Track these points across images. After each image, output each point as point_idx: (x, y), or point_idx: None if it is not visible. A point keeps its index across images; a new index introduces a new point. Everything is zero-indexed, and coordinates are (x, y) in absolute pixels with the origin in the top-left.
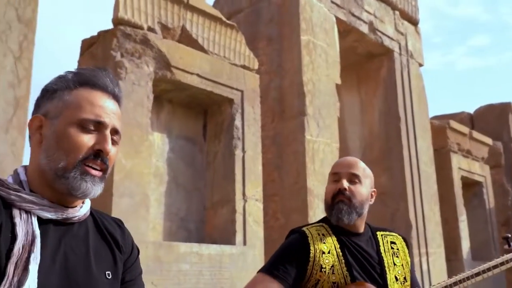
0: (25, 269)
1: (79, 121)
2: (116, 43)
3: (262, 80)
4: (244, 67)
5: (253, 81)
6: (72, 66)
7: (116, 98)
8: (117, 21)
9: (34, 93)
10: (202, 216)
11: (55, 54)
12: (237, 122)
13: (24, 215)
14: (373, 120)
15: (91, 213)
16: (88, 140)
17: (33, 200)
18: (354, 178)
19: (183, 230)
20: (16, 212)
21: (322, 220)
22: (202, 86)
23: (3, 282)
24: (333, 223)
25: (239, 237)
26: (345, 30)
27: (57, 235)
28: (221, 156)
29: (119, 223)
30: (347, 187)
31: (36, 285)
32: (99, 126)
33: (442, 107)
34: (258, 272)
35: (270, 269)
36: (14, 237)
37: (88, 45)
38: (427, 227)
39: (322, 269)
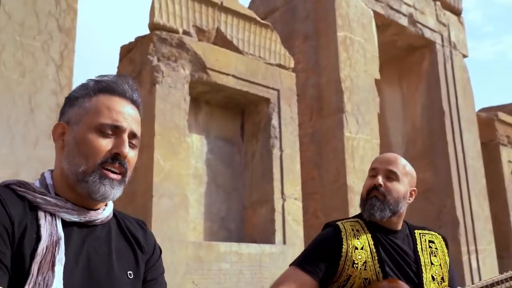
0: (51, 270)
1: (97, 126)
2: (153, 48)
3: (299, 78)
4: (279, 66)
5: (289, 79)
6: (112, 72)
7: (135, 103)
8: (153, 26)
9: None
10: (242, 216)
11: (96, 61)
12: (274, 121)
13: (48, 217)
14: (415, 115)
15: (114, 215)
16: (106, 144)
17: (57, 203)
18: (391, 175)
19: (224, 230)
20: (41, 215)
21: (358, 216)
22: (238, 86)
23: (28, 281)
24: (366, 219)
25: (278, 236)
26: (384, 24)
27: (81, 237)
28: (259, 156)
29: (141, 224)
30: (382, 183)
31: (62, 286)
32: (116, 130)
33: (494, 99)
34: (290, 265)
35: (301, 262)
36: (38, 238)
37: (126, 51)
38: (476, 223)
39: (354, 265)
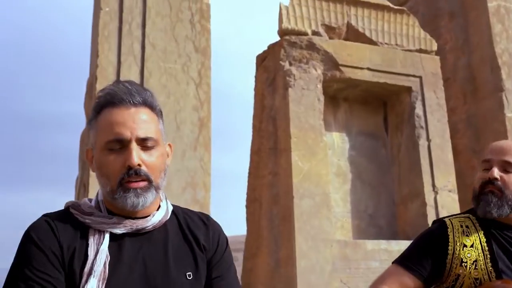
0: (86, 282)
1: (105, 145)
2: (284, 53)
3: (447, 60)
4: (420, 51)
5: (432, 64)
6: (249, 83)
7: (140, 104)
8: (283, 32)
9: (215, 113)
10: (393, 212)
11: (232, 71)
12: (418, 110)
13: (96, 235)
14: None
15: (175, 215)
16: (119, 160)
17: (102, 220)
18: (508, 167)
19: (373, 227)
20: (91, 233)
21: (469, 211)
22: (375, 79)
23: None
24: (480, 216)
25: None
26: None
27: (135, 246)
28: (405, 148)
29: (204, 219)
30: (498, 177)
31: None
32: (122, 142)
33: None
34: (392, 263)
35: (403, 260)
36: (86, 257)
37: (261, 60)
38: None
39: (463, 264)
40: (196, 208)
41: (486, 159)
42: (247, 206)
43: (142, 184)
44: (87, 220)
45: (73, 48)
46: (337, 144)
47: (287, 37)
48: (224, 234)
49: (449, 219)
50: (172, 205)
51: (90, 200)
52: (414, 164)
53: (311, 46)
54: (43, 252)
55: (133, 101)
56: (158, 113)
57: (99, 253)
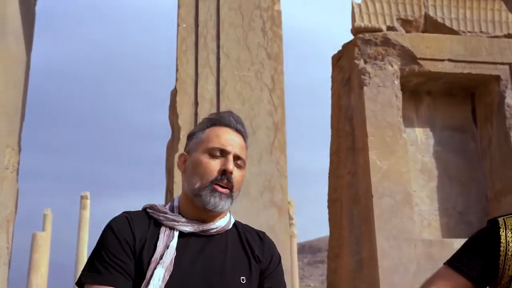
0: (154, 269)
1: (208, 150)
2: (358, 52)
3: None
4: (508, 36)
5: None
6: (325, 83)
7: (239, 132)
8: (356, 31)
9: (288, 117)
10: (485, 207)
11: (304, 73)
12: (509, 100)
13: (167, 231)
14: None
15: (236, 227)
16: (215, 164)
17: (174, 218)
18: None
19: (463, 224)
20: (162, 229)
21: None
22: (457, 70)
23: (144, 282)
24: None
25: None
26: None
27: (199, 245)
28: (496, 140)
29: (261, 235)
30: None
31: (159, 285)
32: (223, 152)
33: None
34: (444, 263)
35: (454, 261)
36: (155, 248)
37: (336, 60)
38: None
39: None
40: (274, 211)
41: None
42: (328, 207)
43: (226, 191)
44: (161, 217)
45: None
46: (420, 140)
47: (360, 35)
48: (277, 252)
49: (503, 218)
50: (235, 220)
51: (165, 205)
52: (507, 156)
53: (386, 42)
54: (119, 240)
55: (237, 128)
56: (247, 142)
57: (169, 247)
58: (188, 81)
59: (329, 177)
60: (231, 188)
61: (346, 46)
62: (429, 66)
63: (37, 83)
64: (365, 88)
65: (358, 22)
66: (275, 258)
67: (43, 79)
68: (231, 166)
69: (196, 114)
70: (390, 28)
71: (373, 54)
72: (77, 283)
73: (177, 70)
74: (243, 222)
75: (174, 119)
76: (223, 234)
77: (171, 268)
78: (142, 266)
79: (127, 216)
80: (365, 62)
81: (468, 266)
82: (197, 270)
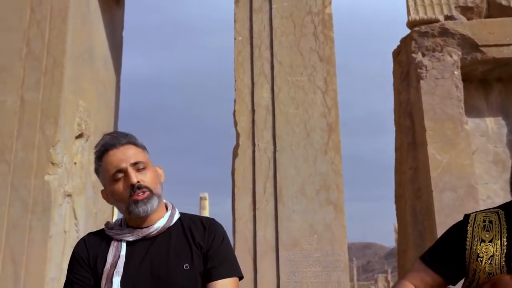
0: (110, 281)
1: (111, 178)
2: (415, 45)
3: None
4: None
5: None
6: (387, 76)
7: (126, 143)
8: (411, 24)
9: (342, 118)
10: None
11: (363, 73)
12: None
13: (116, 243)
14: None
15: (181, 220)
16: (122, 185)
17: (118, 232)
18: None
19: None
20: (113, 242)
21: (502, 206)
22: None
23: None
24: None
25: None
26: None
27: (145, 248)
28: None
29: (205, 223)
30: None
31: None
32: (121, 171)
33: None
34: (418, 257)
35: (425, 255)
36: (105, 260)
37: (396, 55)
38: None
39: (479, 259)
40: (329, 209)
41: None
42: (395, 202)
43: (146, 194)
44: (110, 233)
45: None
46: (491, 130)
47: (417, 28)
48: (221, 232)
49: (475, 214)
50: (181, 213)
51: (119, 219)
52: None
53: (445, 32)
54: (77, 260)
55: (119, 143)
56: (141, 147)
57: (120, 257)
58: (245, 91)
59: (394, 173)
60: (147, 190)
61: (404, 41)
62: (493, 53)
63: (131, 94)
64: (422, 81)
65: (413, 16)
66: (216, 238)
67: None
68: (133, 178)
69: (253, 121)
70: (448, 18)
71: (431, 46)
72: None
73: (235, 81)
74: (300, 221)
75: (235, 127)
76: (165, 232)
77: (121, 273)
78: (98, 278)
79: (84, 239)
80: (423, 55)
81: (438, 260)
82: (144, 269)
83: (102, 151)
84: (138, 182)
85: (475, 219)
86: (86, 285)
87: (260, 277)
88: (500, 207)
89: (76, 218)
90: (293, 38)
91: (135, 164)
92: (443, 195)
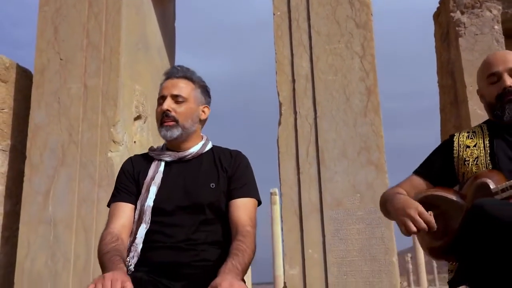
0: (147, 190)
1: (157, 100)
2: (453, 4)
3: None
4: None
5: None
6: (428, 43)
7: (181, 77)
8: None
9: (381, 80)
10: None
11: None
12: None
13: (156, 162)
14: None
15: (212, 150)
16: (159, 108)
17: (159, 153)
18: None
19: None
20: (154, 161)
21: (488, 120)
22: None
23: (140, 197)
24: (507, 122)
25: None
26: None
27: (180, 168)
28: None
29: (232, 153)
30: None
31: (154, 198)
32: (163, 98)
33: None
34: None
35: (417, 168)
36: (147, 174)
37: (436, 17)
38: None
39: (466, 162)
40: (371, 168)
41: (491, 72)
42: None
43: (170, 123)
44: (151, 154)
45: None
46: None
47: None
48: (244, 162)
49: (460, 131)
50: (214, 145)
51: (162, 145)
52: None
53: None
54: (124, 173)
55: (175, 75)
56: (196, 84)
57: (158, 172)
58: (285, 62)
59: (440, 135)
60: (175, 120)
61: (443, 1)
62: None
63: None
64: (460, 39)
65: None
66: (241, 166)
67: None
68: (165, 106)
69: (294, 90)
70: None
71: (469, 3)
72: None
73: (275, 54)
74: (342, 181)
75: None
76: (198, 157)
77: (159, 184)
78: (140, 188)
79: (131, 158)
80: (462, 13)
81: (427, 169)
82: (178, 184)
83: (164, 78)
84: (168, 110)
85: (460, 133)
86: (130, 193)
87: (306, 236)
88: (484, 122)
89: None
90: (329, 8)
91: (176, 96)
92: None
